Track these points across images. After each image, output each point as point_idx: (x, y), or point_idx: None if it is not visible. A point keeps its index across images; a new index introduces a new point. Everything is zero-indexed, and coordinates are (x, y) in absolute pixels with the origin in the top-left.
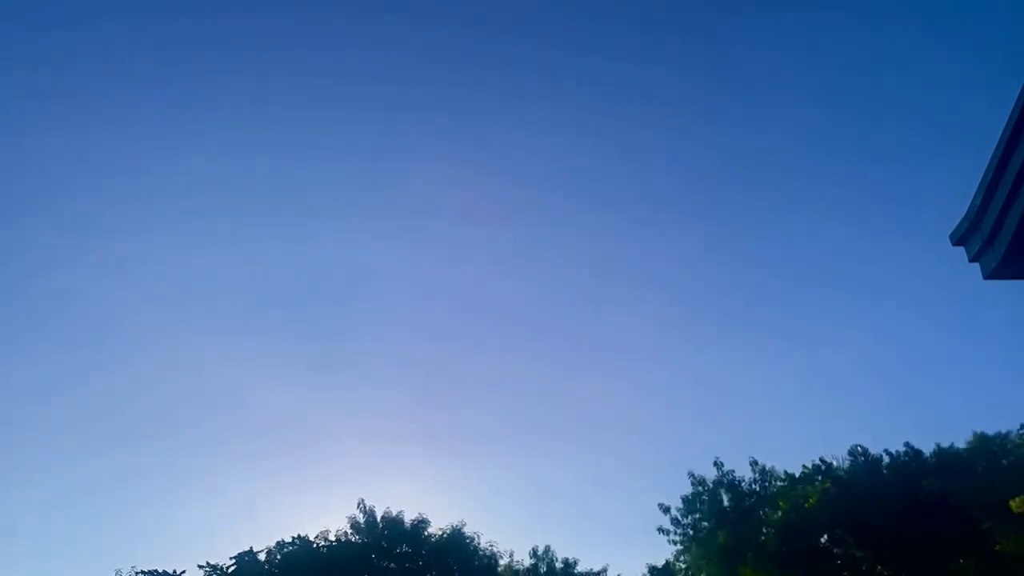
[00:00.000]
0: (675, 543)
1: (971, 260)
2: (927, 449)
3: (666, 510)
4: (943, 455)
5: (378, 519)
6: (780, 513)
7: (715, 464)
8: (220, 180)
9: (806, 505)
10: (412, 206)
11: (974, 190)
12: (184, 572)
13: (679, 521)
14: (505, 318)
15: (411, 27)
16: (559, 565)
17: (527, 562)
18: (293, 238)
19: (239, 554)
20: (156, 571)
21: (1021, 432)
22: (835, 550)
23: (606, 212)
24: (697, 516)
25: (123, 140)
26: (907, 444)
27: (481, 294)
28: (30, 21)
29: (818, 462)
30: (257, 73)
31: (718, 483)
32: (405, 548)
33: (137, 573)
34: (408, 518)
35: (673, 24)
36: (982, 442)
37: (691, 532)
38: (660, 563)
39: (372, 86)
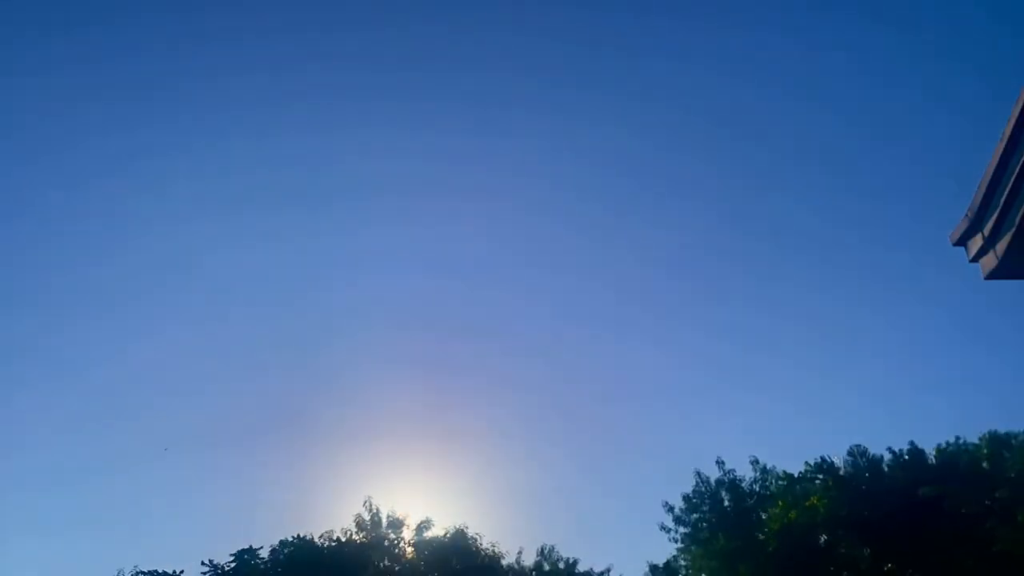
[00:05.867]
0: (676, 541)
1: (971, 260)
2: (928, 449)
3: (669, 508)
4: (944, 455)
5: (383, 519)
6: (780, 512)
7: (717, 463)
8: (219, 179)
9: (807, 504)
10: (419, 204)
11: (974, 190)
12: (183, 572)
13: (681, 520)
14: (507, 318)
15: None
16: (561, 565)
17: (530, 561)
18: (292, 235)
19: (239, 552)
20: (156, 571)
21: (1022, 432)
22: (835, 549)
23: (607, 211)
24: (698, 515)
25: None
26: (908, 444)
27: (486, 295)
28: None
29: (819, 461)
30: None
31: (719, 482)
32: (408, 548)
33: (138, 573)
34: (413, 518)
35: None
36: (983, 442)
37: (692, 531)
38: (661, 562)
39: (381, 87)
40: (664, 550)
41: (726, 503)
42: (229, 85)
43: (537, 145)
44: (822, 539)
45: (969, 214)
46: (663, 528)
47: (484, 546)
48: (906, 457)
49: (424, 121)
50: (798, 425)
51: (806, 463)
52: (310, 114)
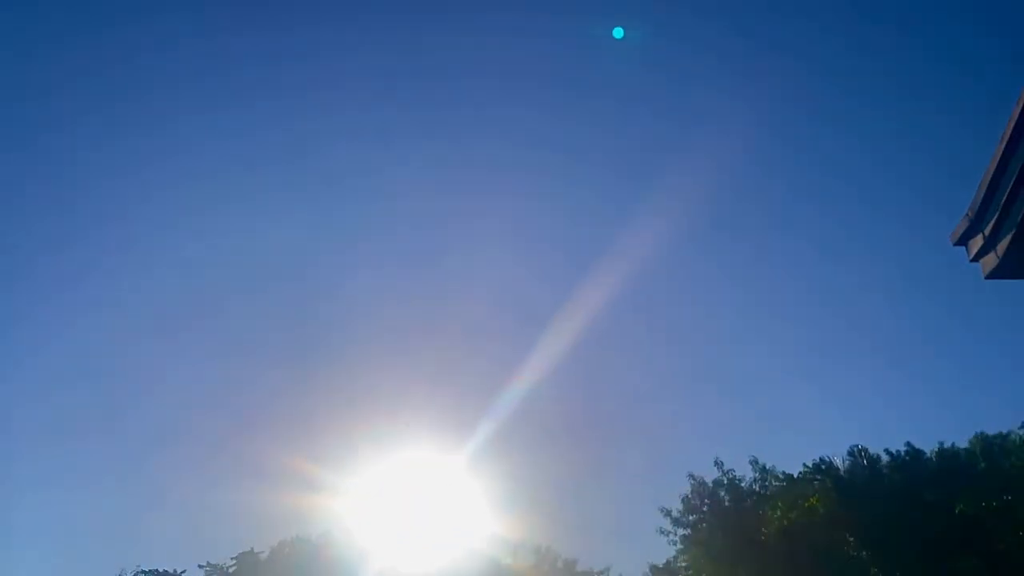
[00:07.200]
0: (675, 544)
1: (972, 260)
2: (927, 449)
3: (667, 513)
4: (943, 455)
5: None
6: (780, 513)
7: (715, 463)
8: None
9: (806, 505)
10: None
11: (974, 190)
12: (184, 572)
13: (679, 522)
14: (505, 313)
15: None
16: (560, 565)
17: (528, 561)
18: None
19: (240, 554)
20: (157, 570)
21: (1021, 432)
22: (835, 550)
23: (604, 209)
24: (697, 516)
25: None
26: (907, 444)
27: (479, 289)
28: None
29: (818, 462)
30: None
31: (718, 483)
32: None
33: (139, 572)
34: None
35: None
36: (983, 442)
37: (691, 532)
38: (662, 562)
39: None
40: (664, 553)
41: (726, 503)
42: (224, 79)
43: (544, 145)
44: (822, 539)
45: (969, 214)
46: (661, 531)
47: (484, 544)
48: (906, 457)
49: (423, 126)
50: (798, 425)
51: (805, 464)
52: (305, 105)
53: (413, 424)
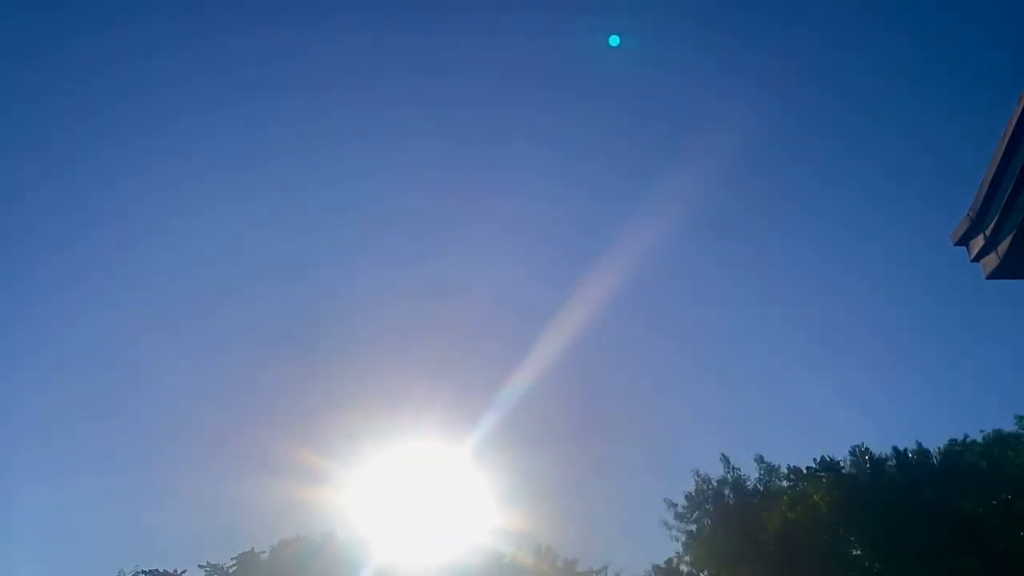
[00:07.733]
0: (678, 539)
1: (973, 260)
2: (930, 449)
3: (672, 505)
4: (945, 455)
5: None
6: (782, 511)
7: (722, 459)
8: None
9: (808, 504)
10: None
11: (974, 190)
12: (184, 572)
13: (683, 517)
14: (508, 310)
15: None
16: (559, 564)
17: (529, 561)
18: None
19: (240, 554)
20: (157, 570)
21: (1022, 431)
22: (837, 548)
23: (605, 208)
24: (701, 513)
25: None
26: (910, 444)
27: (482, 286)
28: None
29: (821, 460)
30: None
31: (723, 481)
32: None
33: (139, 572)
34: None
35: None
36: (984, 442)
37: (694, 529)
38: (662, 560)
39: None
40: (666, 550)
41: (730, 501)
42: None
43: (543, 142)
44: (825, 537)
45: (970, 214)
46: (665, 525)
47: (485, 544)
48: (908, 457)
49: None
50: (800, 425)
51: (807, 464)
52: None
53: (417, 419)
